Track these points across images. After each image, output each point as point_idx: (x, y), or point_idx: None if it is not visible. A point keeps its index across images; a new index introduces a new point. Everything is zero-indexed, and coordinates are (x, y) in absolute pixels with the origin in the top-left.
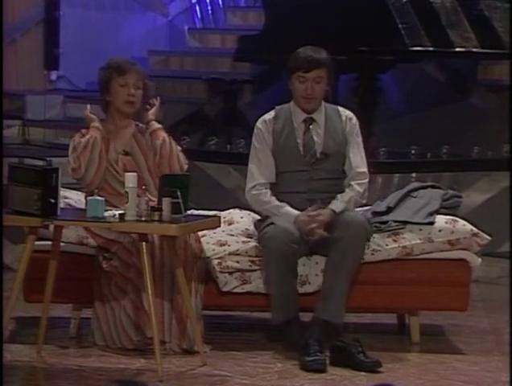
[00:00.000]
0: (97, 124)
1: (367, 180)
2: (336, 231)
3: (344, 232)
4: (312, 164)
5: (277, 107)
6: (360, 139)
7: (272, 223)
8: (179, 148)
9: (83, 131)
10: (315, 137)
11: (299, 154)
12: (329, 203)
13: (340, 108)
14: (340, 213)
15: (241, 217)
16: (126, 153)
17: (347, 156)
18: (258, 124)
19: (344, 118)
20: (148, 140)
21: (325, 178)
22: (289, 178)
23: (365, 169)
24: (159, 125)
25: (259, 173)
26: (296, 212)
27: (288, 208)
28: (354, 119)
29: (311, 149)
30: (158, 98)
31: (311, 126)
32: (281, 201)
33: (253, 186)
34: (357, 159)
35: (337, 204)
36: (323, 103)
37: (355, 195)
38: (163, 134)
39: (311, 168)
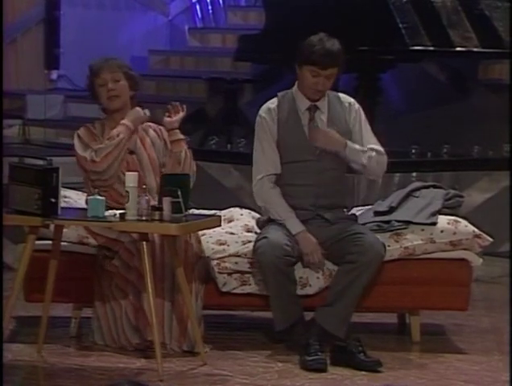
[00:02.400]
0: (127, 122)
1: (385, 157)
2: (353, 253)
3: (361, 257)
4: (318, 154)
5: (279, 94)
6: (367, 124)
7: (265, 237)
8: (193, 162)
9: (89, 125)
10: (319, 126)
11: (305, 143)
12: (334, 197)
13: (341, 95)
14: (361, 233)
15: (241, 214)
16: (131, 152)
17: (356, 142)
18: (262, 112)
19: (347, 105)
20: (160, 144)
21: (331, 169)
22: (294, 170)
23: (379, 147)
24: (182, 136)
25: (266, 164)
26: (300, 228)
27: (294, 220)
28: (357, 105)
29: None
30: (184, 106)
31: (315, 114)
32: (285, 195)
33: (261, 179)
34: (369, 139)
35: (355, 145)
36: None
37: (373, 154)
38: (184, 146)
39: (317, 158)
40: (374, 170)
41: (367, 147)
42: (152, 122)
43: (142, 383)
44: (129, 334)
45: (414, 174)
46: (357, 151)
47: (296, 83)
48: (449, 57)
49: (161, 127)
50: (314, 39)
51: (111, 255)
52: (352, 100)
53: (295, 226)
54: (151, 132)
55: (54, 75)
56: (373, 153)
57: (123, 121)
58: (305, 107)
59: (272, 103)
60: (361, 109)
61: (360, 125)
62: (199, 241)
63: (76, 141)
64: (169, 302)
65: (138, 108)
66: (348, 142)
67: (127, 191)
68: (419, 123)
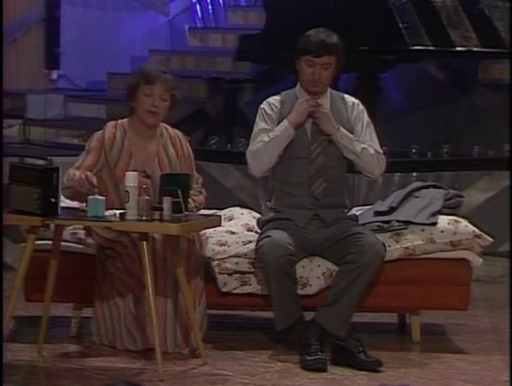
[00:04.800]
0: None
1: (383, 158)
2: (353, 253)
3: (361, 257)
4: (318, 150)
5: (283, 92)
6: (370, 125)
7: (268, 237)
8: (201, 199)
9: (98, 134)
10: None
11: (305, 139)
12: (334, 196)
13: (346, 96)
14: (361, 233)
15: (242, 214)
16: (147, 176)
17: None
18: (264, 106)
19: (350, 104)
20: (177, 162)
21: (329, 167)
22: (293, 167)
23: (379, 149)
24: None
25: (261, 137)
26: (288, 117)
27: (278, 126)
28: (361, 105)
29: (320, 132)
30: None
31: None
32: (284, 193)
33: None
34: (369, 140)
35: (347, 132)
36: (328, 89)
37: (370, 148)
38: (192, 204)
39: (316, 155)
40: (369, 164)
41: (366, 143)
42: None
43: (139, 384)
44: (126, 341)
45: (414, 173)
46: (350, 139)
47: (298, 83)
48: (449, 57)
49: (184, 141)
50: (311, 31)
51: (113, 254)
52: (356, 100)
53: (283, 124)
54: (171, 150)
55: (54, 75)
56: (370, 149)
57: (82, 176)
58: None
59: (274, 99)
60: (364, 111)
61: (362, 125)
62: (201, 245)
63: (89, 141)
64: (172, 307)
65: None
66: (342, 128)
67: (127, 191)
68: (419, 123)
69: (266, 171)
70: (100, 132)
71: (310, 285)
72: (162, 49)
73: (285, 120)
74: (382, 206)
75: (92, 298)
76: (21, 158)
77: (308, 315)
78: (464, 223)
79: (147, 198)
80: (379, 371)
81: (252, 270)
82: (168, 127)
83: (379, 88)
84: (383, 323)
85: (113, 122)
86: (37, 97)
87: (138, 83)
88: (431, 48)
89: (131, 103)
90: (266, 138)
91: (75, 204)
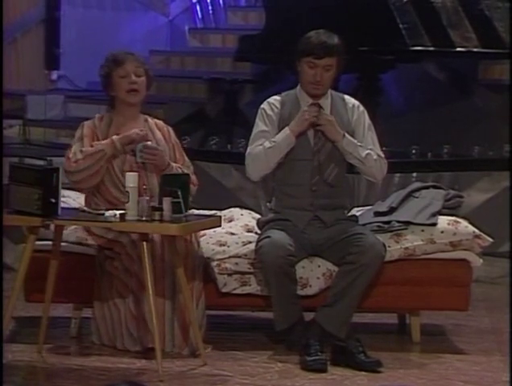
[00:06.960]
0: (116, 140)
1: (385, 162)
2: (353, 254)
3: (361, 258)
4: (319, 152)
5: (283, 93)
6: (371, 127)
7: (268, 237)
8: (194, 179)
9: (98, 116)
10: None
11: (306, 141)
12: (334, 198)
13: (346, 97)
14: (361, 234)
15: (241, 214)
16: (135, 155)
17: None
18: (264, 106)
19: (350, 106)
20: (166, 147)
21: (331, 168)
22: (293, 168)
23: (381, 152)
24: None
25: (261, 138)
26: (287, 129)
27: (279, 134)
28: (361, 107)
29: (321, 135)
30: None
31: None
32: (284, 194)
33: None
34: (370, 144)
35: (351, 138)
36: (329, 90)
37: (373, 153)
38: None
39: (318, 157)
40: (372, 169)
41: (368, 148)
42: (162, 120)
43: (140, 384)
44: (126, 341)
45: (414, 174)
46: (355, 145)
47: (299, 84)
48: (449, 57)
49: (169, 128)
50: (312, 33)
51: (111, 254)
52: (357, 102)
53: (284, 132)
54: (158, 134)
55: (54, 75)
56: (373, 154)
57: (113, 137)
58: (307, 105)
59: (274, 99)
60: (365, 113)
61: (363, 128)
62: (198, 244)
63: (78, 131)
64: (170, 307)
65: (135, 130)
66: (347, 134)
67: (127, 191)
68: (419, 123)
69: (264, 176)
70: (89, 121)
71: (310, 286)
72: (162, 49)
73: (287, 128)
74: (382, 206)
75: (92, 299)
76: (21, 158)
77: (308, 315)
78: (464, 223)
79: (147, 198)
80: (379, 372)
81: (252, 271)
82: (153, 118)
83: (379, 89)
84: (383, 324)
85: (99, 114)
86: (37, 98)
87: (110, 69)
88: (431, 49)
89: (110, 93)
90: (267, 144)
91: (74, 204)
